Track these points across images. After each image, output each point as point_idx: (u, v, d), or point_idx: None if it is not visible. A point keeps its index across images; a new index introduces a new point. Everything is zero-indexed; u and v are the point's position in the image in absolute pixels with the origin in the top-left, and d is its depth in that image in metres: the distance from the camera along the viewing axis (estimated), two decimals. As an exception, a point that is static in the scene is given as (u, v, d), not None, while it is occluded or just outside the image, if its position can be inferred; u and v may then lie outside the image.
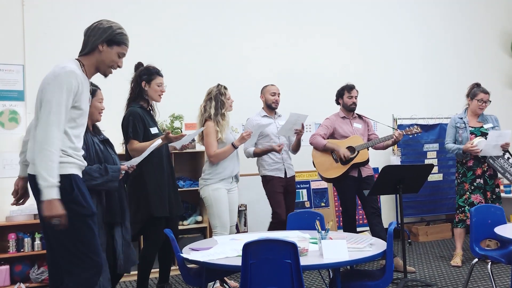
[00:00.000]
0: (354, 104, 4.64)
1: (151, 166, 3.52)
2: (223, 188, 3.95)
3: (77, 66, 2.37)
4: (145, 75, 3.61)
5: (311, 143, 4.60)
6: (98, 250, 2.38)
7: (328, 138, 4.60)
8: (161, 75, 3.67)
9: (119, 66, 2.49)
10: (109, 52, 2.42)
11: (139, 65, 3.71)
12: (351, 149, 4.48)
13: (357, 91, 4.67)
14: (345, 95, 4.63)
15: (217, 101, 3.98)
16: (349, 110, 4.66)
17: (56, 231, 2.29)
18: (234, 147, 3.92)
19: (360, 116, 4.74)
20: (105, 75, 2.51)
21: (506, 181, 5.05)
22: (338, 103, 4.74)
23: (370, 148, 4.60)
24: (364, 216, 4.80)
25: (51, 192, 2.16)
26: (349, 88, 4.63)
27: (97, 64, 2.45)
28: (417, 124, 5.99)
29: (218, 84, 4.08)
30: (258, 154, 4.44)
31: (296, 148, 4.57)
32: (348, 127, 4.62)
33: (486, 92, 4.67)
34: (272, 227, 4.41)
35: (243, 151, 4.44)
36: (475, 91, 4.68)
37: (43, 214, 2.18)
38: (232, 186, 4.06)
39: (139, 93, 3.61)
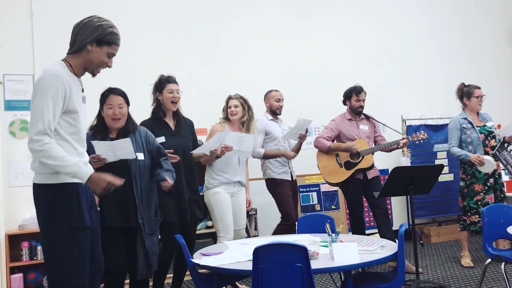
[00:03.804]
0: (361, 107, 4.61)
1: None
2: (224, 192, 3.93)
3: (63, 67, 2.30)
4: (157, 86, 3.74)
5: (315, 146, 4.59)
6: (85, 266, 2.31)
7: (333, 140, 4.59)
8: (171, 82, 3.72)
9: (108, 66, 2.41)
10: (98, 52, 2.33)
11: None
12: (356, 153, 4.46)
13: (365, 93, 4.63)
14: (352, 98, 4.59)
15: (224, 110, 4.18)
16: (356, 113, 4.63)
17: (46, 243, 2.28)
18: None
19: (367, 117, 4.71)
20: (93, 75, 2.42)
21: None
22: (345, 104, 4.72)
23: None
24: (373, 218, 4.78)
25: (83, 172, 2.21)
26: (357, 91, 4.58)
27: (85, 64, 2.36)
28: (426, 125, 6.00)
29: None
30: (268, 157, 4.45)
31: (296, 152, 4.56)
32: (354, 129, 4.60)
33: (479, 87, 4.67)
34: (284, 230, 4.40)
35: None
36: (469, 90, 4.65)
37: (96, 190, 2.26)
38: (235, 190, 4.03)
39: (158, 104, 3.74)
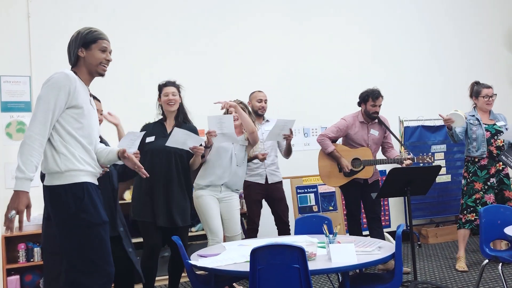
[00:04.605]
0: (377, 113, 4.44)
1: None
2: (208, 195, 3.79)
3: (71, 73, 2.45)
4: (158, 92, 3.80)
5: (318, 142, 4.51)
6: (108, 259, 2.40)
7: (338, 140, 4.56)
8: (167, 85, 3.76)
9: (108, 60, 2.54)
10: (90, 53, 2.50)
11: None
12: (357, 161, 4.42)
13: (382, 98, 4.45)
14: (368, 102, 4.41)
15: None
16: (370, 117, 4.49)
17: (67, 240, 2.32)
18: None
19: (380, 122, 4.54)
20: (101, 75, 2.56)
21: None
22: (359, 106, 4.56)
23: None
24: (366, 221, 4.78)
25: (25, 184, 2.21)
26: (375, 96, 4.39)
27: (87, 69, 2.52)
28: (423, 126, 6.01)
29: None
30: None
31: (287, 152, 4.47)
32: (363, 133, 4.49)
33: (489, 87, 4.60)
34: (247, 233, 4.43)
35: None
36: (478, 89, 4.62)
37: (9, 204, 2.20)
38: (223, 195, 3.85)
39: (162, 110, 3.83)
